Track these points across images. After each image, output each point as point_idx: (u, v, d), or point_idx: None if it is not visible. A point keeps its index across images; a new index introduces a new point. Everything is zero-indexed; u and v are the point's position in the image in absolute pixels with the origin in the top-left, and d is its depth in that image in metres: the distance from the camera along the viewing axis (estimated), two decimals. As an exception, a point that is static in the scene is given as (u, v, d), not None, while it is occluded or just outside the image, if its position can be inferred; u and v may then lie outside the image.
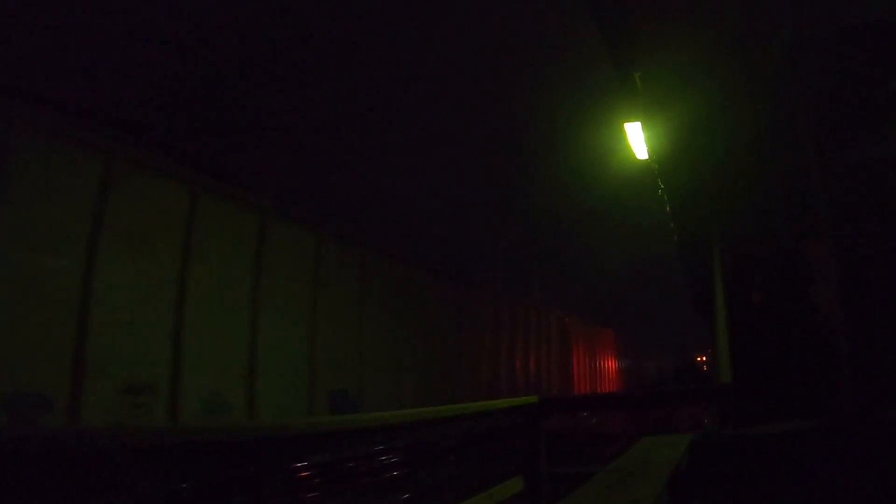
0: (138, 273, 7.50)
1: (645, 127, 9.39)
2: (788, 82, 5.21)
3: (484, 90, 16.60)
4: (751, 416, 5.61)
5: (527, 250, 24.99)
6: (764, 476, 3.96)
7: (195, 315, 8.11)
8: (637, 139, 10.26)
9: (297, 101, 13.73)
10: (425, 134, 17.10)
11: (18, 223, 6.41)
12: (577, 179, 21.05)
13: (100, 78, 9.05)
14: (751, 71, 5.94)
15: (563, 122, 18.13)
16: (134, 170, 7.41)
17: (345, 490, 8.26)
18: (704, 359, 37.44)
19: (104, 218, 7.12)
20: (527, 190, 21.82)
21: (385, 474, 9.50)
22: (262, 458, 4.69)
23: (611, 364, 35.94)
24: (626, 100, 8.85)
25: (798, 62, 4.96)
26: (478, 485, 6.56)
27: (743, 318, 7.02)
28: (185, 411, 7.89)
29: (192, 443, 3.09)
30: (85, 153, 6.97)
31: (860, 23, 4.67)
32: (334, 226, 11.44)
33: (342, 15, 12.99)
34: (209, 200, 8.42)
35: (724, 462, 4.13)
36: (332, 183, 14.71)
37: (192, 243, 8.11)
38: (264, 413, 8.90)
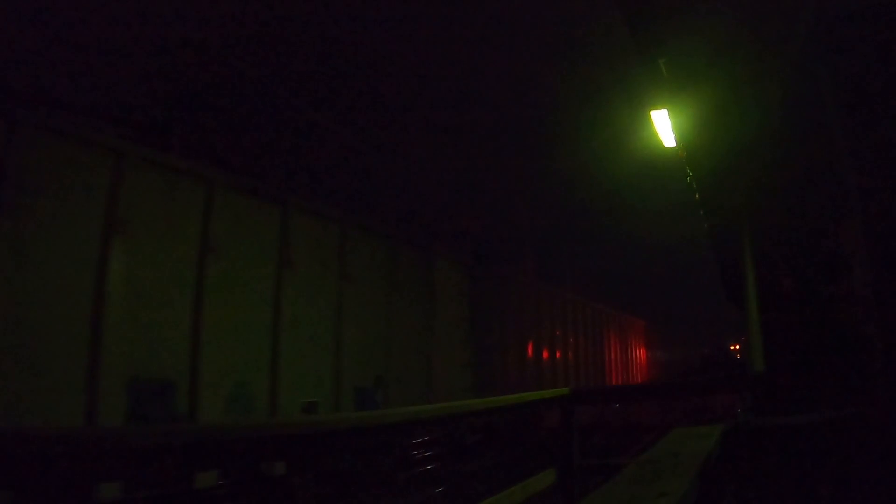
0: (159, 268, 7.59)
1: (671, 114, 9.28)
2: (814, 61, 5.11)
3: (510, 82, 16.53)
4: (784, 405, 5.52)
5: (557, 241, 24.90)
6: (797, 467, 3.90)
7: (214, 311, 8.19)
8: (664, 127, 10.16)
9: (322, 95, 13.79)
10: (451, 125, 17.08)
11: (44, 226, 6.51)
12: (606, 169, 20.89)
13: (113, 78, 9.16)
14: (776, 51, 5.82)
15: (590, 111, 17.99)
16: (149, 168, 7.46)
17: (379, 484, 8.31)
18: (738, 347, 37.02)
19: (131, 217, 7.20)
20: (557, 181, 21.73)
21: (419, 468, 9.53)
22: (299, 454, 4.73)
23: (643, 354, 35.69)
24: (652, 88, 8.75)
25: (824, 41, 4.85)
26: (511, 477, 6.56)
27: (774, 305, 6.91)
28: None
29: (221, 439, 3.13)
30: (98, 153, 7.05)
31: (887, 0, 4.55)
32: (359, 219, 11.41)
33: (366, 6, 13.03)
34: (226, 195, 8.44)
35: (756, 453, 4.07)
36: (357, 175, 14.76)
37: (210, 239, 8.13)
38: (292, 409, 8.96)
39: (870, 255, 4.30)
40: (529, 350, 18.91)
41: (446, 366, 13.78)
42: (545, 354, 20.24)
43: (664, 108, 9.35)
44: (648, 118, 10.43)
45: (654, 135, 10.74)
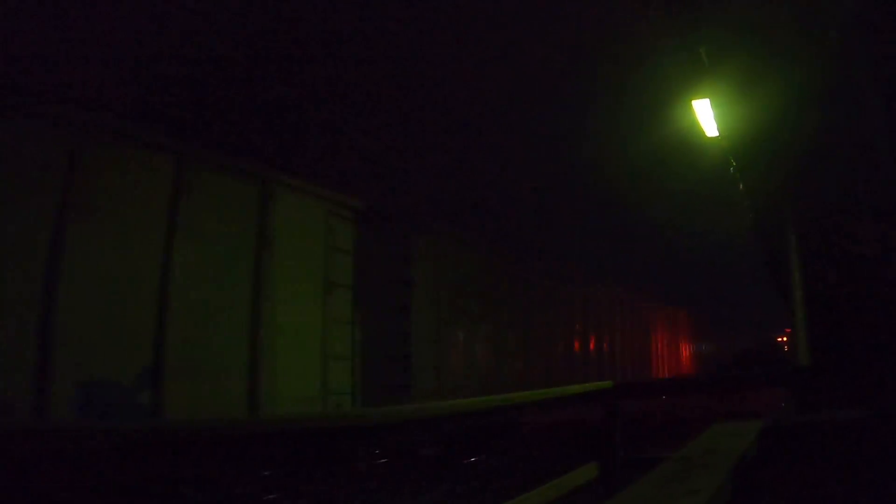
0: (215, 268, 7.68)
1: (714, 104, 9.16)
2: (856, 47, 4.97)
3: (549, 75, 16.44)
4: (828, 400, 5.41)
5: (599, 231, 24.74)
6: (837, 465, 3.82)
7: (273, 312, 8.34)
8: (706, 116, 10.01)
9: (357, 94, 13.88)
10: (486, 117, 17.05)
11: (104, 228, 6.65)
12: (647, 160, 20.66)
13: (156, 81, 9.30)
14: (818, 38, 5.69)
15: (630, 101, 17.80)
16: (204, 168, 7.57)
17: (419, 476, 8.36)
18: (785, 339, 36.30)
19: (180, 219, 7.27)
20: (597, 173, 21.56)
21: (460, 460, 9.58)
22: (335, 447, 4.79)
23: (686, 346, 35.25)
24: (693, 76, 8.64)
25: (865, 27, 4.72)
26: (552, 471, 6.55)
27: (820, 297, 6.78)
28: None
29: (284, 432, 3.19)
30: (156, 155, 7.16)
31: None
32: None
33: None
34: (281, 193, 8.53)
35: (795, 450, 4.00)
36: (412, 176, 14.86)
37: (267, 237, 8.24)
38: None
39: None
40: (576, 340, 18.81)
41: (490, 358, 13.72)
42: (593, 346, 20.14)
43: (706, 97, 9.21)
44: (690, 108, 10.28)
45: (695, 124, 10.58)
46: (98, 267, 6.43)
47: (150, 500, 3.39)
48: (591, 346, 20.21)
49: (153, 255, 6.95)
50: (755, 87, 7.04)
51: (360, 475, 7.74)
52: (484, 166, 17.89)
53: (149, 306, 6.82)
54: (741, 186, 11.20)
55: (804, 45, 6.04)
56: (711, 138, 10.79)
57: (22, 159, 6.12)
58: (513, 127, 17.60)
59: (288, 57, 12.05)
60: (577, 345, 19.04)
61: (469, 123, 16.85)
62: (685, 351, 35.17)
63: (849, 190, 6.06)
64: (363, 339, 10.21)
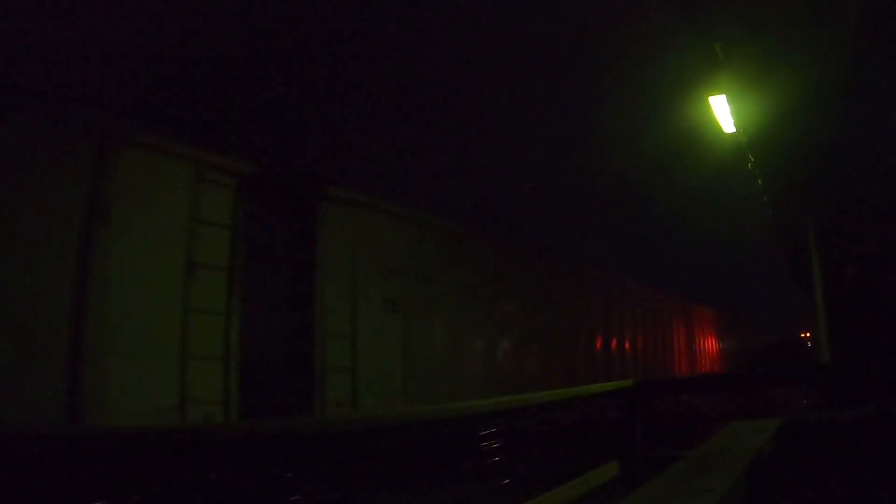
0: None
1: (730, 99, 9.09)
2: (872, 39, 4.93)
3: (564, 72, 16.42)
4: (848, 397, 5.37)
5: (620, 228, 24.69)
6: (855, 463, 3.79)
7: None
8: (723, 112, 9.94)
9: (384, 93, 13.94)
10: (506, 114, 17.05)
11: (131, 233, 6.71)
12: (666, 156, 20.58)
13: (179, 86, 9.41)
14: (833, 33, 5.64)
15: (649, 97, 17.75)
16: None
17: (444, 476, 8.39)
18: (808, 335, 35.93)
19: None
20: (616, 170, 21.51)
21: (483, 460, 9.59)
22: (361, 446, 4.82)
23: (710, 343, 34.97)
24: (709, 73, 8.60)
25: (880, 16, 4.68)
26: (574, 469, 6.55)
27: (840, 294, 6.72)
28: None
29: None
30: (177, 162, 7.19)
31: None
32: (438, 218, 11.52)
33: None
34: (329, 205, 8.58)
35: (812, 448, 3.97)
36: (436, 175, 14.91)
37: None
38: (363, 404, 9.08)
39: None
40: (599, 339, 18.72)
41: (513, 357, 13.56)
42: (615, 344, 20.05)
43: (722, 93, 9.15)
44: (706, 104, 10.21)
45: (712, 121, 10.51)
46: None
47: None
48: (613, 344, 20.11)
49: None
50: (771, 83, 6.99)
51: (387, 474, 7.77)
52: (499, 163, 17.89)
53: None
54: (759, 182, 11.11)
55: (820, 38, 5.99)
56: (729, 134, 10.72)
57: (46, 162, 6.11)
58: (524, 123, 17.58)
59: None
60: (598, 343, 18.95)
61: (485, 119, 16.85)
62: (708, 348, 34.88)
63: (868, 187, 6.00)
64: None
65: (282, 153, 10.30)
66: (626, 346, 21.34)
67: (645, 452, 6.60)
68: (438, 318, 11.32)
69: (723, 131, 10.70)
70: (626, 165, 21.41)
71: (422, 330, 10.86)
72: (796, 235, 10.14)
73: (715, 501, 2.38)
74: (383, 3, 13.67)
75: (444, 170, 16.32)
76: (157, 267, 7.10)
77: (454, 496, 7.32)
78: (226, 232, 7.82)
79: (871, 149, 5.85)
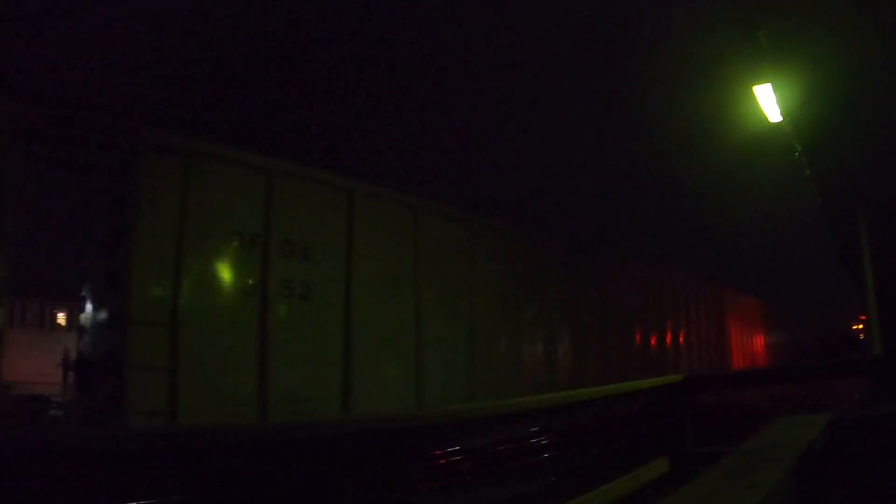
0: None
1: (775, 88, 8.94)
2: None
3: (606, 61, 16.29)
4: (902, 391, 5.24)
5: (668, 222, 24.46)
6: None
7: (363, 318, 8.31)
8: (768, 101, 9.77)
9: (431, 99, 14.02)
10: (550, 108, 17.00)
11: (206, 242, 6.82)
12: (710, 147, 20.30)
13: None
14: (882, 17, 5.51)
15: (690, 88, 17.53)
16: (293, 183, 7.69)
17: (492, 474, 8.41)
18: (861, 327, 35.01)
19: (274, 228, 7.42)
20: (663, 163, 21.32)
21: (531, 458, 9.58)
22: (410, 444, 4.88)
23: (760, 336, 34.32)
24: (753, 62, 8.47)
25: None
26: (623, 466, 6.52)
27: (892, 284, 6.56)
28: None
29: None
30: (252, 173, 7.32)
31: None
32: (485, 218, 11.43)
33: None
34: (365, 202, 8.55)
35: (862, 443, 3.89)
36: (478, 174, 14.95)
37: (354, 246, 8.22)
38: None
39: None
40: (649, 334, 18.55)
41: (567, 352, 13.42)
42: (667, 338, 19.84)
43: (767, 82, 8.99)
44: (751, 93, 10.04)
45: (758, 110, 10.33)
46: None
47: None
48: (664, 339, 19.90)
49: None
50: (819, 70, 6.86)
51: (434, 474, 7.82)
52: (545, 158, 17.86)
53: None
54: (808, 172, 10.88)
55: (868, 24, 5.86)
56: (775, 123, 10.52)
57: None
58: (566, 116, 17.51)
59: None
60: (648, 338, 18.77)
61: (526, 112, 16.82)
62: (759, 341, 34.23)
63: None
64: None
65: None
66: (680, 340, 21.10)
67: (695, 448, 6.54)
68: (487, 321, 10.75)
69: (768, 120, 10.52)
70: (671, 157, 21.18)
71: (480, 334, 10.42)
72: (846, 225, 9.91)
73: (763, 496, 2.36)
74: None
75: (490, 167, 16.34)
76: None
77: (503, 495, 7.34)
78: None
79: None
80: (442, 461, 8.23)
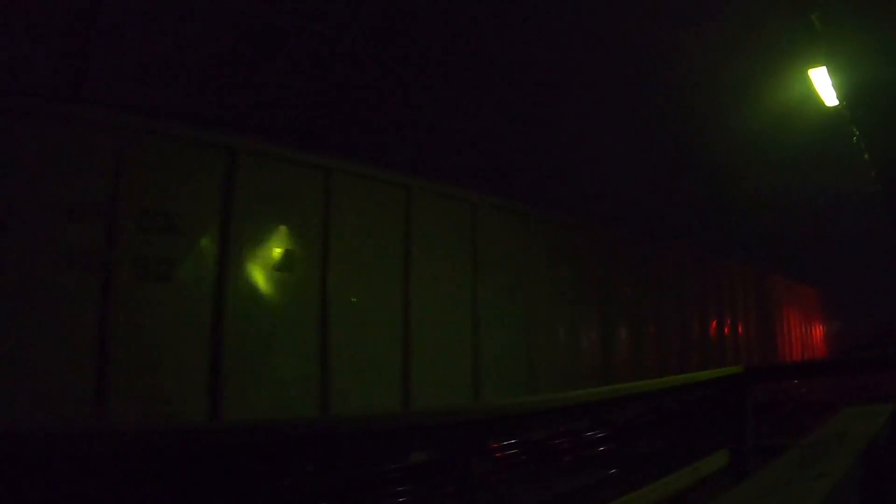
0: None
1: (830, 72, 8.75)
2: None
3: (651, 47, 16.12)
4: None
5: (724, 210, 24.09)
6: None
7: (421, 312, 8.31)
8: (824, 85, 9.57)
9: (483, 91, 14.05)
10: (598, 96, 16.87)
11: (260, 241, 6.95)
12: (768, 131, 19.90)
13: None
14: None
15: (744, 73, 17.22)
16: (350, 180, 7.70)
17: (550, 467, 8.44)
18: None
19: (331, 227, 7.42)
20: (717, 148, 20.99)
21: (588, 450, 9.57)
22: (468, 438, 4.97)
23: (819, 326, 33.54)
24: (807, 45, 8.30)
25: None
26: (683, 458, 6.49)
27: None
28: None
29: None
30: (306, 171, 7.39)
31: None
32: (542, 210, 11.40)
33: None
34: (424, 199, 8.57)
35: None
36: (533, 166, 14.92)
37: (413, 242, 8.26)
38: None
39: None
40: (701, 323, 18.31)
41: (623, 345, 13.29)
42: (719, 329, 19.54)
43: (822, 65, 8.81)
44: (806, 77, 9.84)
45: (812, 95, 10.13)
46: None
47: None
48: (721, 330, 19.60)
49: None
50: (874, 55, 6.70)
51: (491, 467, 7.88)
52: (598, 148, 17.72)
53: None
54: (866, 156, 10.62)
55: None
56: (831, 107, 10.29)
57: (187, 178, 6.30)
58: (615, 103, 17.35)
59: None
60: (706, 329, 18.52)
61: (576, 96, 16.72)
62: (817, 331, 33.48)
63: None
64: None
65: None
66: (738, 331, 20.78)
67: (755, 441, 6.48)
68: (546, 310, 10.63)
69: (824, 104, 10.29)
70: (725, 144, 20.85)
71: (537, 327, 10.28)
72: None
73: (831, 486, 2.36)
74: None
75: (546, 157, 16.27)
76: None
77: (560, 488, 7.37)
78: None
79: None
80: (499, 455, 8.29)
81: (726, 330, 19.87)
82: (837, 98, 9.44)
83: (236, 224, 6.55)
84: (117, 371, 5.53)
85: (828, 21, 6.76)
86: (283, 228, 7.02)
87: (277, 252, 6.92)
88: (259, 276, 6.79)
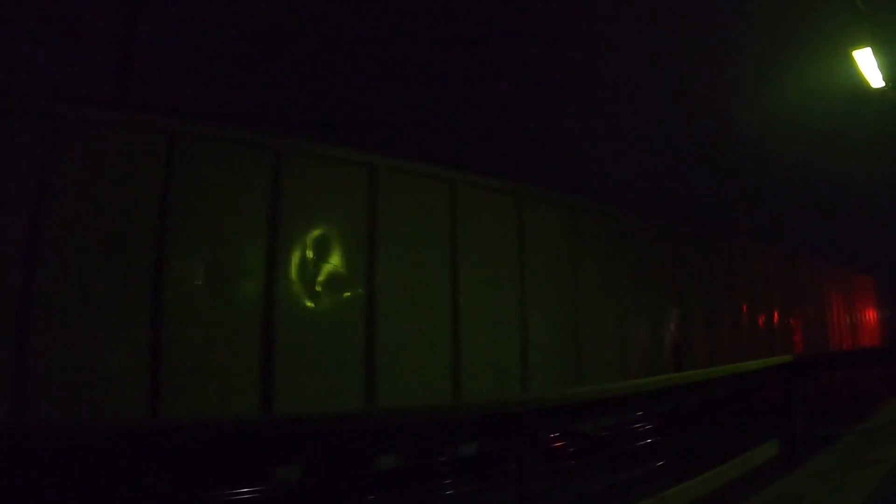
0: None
1: (875, 52, 8.52)
2: None
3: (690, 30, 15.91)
4: None
5: (769, 198, 23.69)
6: None
7: (468, 297, 8.33)
8: (869, 66, 9.31)
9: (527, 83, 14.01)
10: (639, 80, 16.69)
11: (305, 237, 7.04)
12: (814, 115, 19.49)
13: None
14: None
15: (790, 54, 16.90)
16: (396, 176, 7.75)
17: (600, 458, 8.39)
18: None
19: (380, 220, 7.49)
20: (763, 135, 20.63)
21: (638, 442, 9.50)
22: (525, 429, 4.96)
23: (870, 314, 32.69)
24: (851, 25, 8.12)
25: None
26: (732, 449, 6.39)
27: None
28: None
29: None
30: (350, 168, 7.48)
31: None
32: (589, 201, 11.32)
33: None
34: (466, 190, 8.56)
35: None
36: (573, 155, 14.84)
37: (459, 234, 8.28)
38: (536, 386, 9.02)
39: None
40: (751, 314, 18.01)
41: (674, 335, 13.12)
42: (769, 319, 19.19)
43: (867, 45, 8.58)
44: (849, 58, 9.58)
45: (856, 76, 9.86)
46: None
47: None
48: (771, 319, 19.25)
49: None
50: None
51: (546, 457, 7.85)
52: (642, 138, 17.55)
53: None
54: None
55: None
56: (877, 89, 10.01)
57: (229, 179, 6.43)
58: (666, 83, 17.15)
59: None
60: (756, 318, 18.21)
61: (621, 81, 16.57)
62: (868, 320, 32.65)
63: None
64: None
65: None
66: (789, 320, 20.39)
67: (806, 430, 6.33)
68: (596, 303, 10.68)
69: (870, 86, 10.01)
70: (772, 131, 20.48)
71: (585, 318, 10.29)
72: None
73: (886, 471, 2.29)
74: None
75: (592, 149, 16.16)
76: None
77: (610, 480, 7.31)
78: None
79: None
80: (550, 446, 8.27)
81: (776, 319, 19.52)
82: (884, 79, 9.21)
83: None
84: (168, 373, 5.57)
85: (871, 0, 6.61)
86: (330, 225, 7.18)
87: (325, 248, 7.09)
88: (308, 273, 6.95)
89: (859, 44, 8.81)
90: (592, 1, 14.01)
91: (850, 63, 9.74)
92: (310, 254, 6.95)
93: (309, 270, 6.88)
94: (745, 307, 17.50)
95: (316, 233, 7.09)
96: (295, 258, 6.86)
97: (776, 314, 19.88)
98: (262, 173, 6.68)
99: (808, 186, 25.08)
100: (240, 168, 6.53)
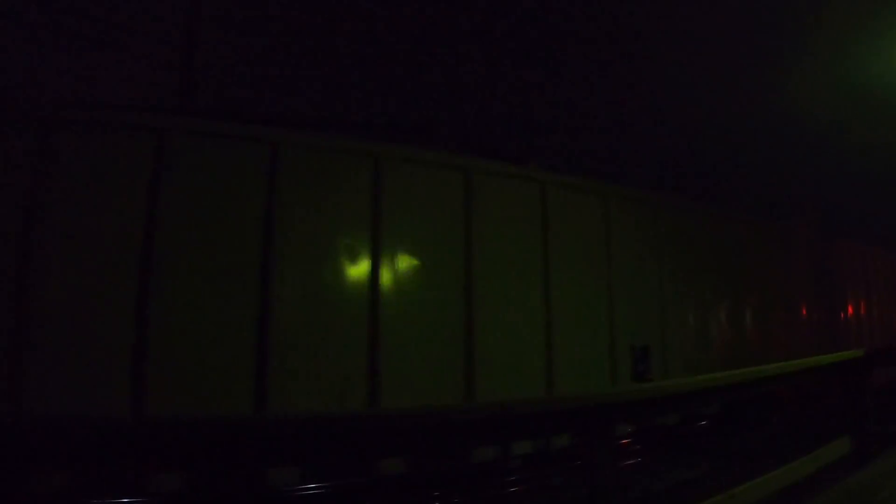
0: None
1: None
2: None
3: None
4: None
5: (836, 187, 23.15)
6: None
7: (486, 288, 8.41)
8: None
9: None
10: (689, 59, 16.49)
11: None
12: (867, 101, 18.96)
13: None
14: None
15: (849, 42, 16.47)
16: (489, 179, 8.02)
17: (660, 455, 8.36)
18: None
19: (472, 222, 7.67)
20: (828, 128, 20.17)
21: (700, 438, 9.43)
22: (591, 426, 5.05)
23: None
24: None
25: None
26: (803, 446, 6.30)
27: None
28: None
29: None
30: (446, 172, 7.65)
31: None
32: (672, 199, 11.43)
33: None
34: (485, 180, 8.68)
35: None
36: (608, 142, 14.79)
37: (549, 235, 8.43)
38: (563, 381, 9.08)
39: None
40: (816, 306, 17.56)
41: (722, 330, 12.98)
42: (833, 312, 18.71)
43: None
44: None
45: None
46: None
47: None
48: (839, 311, 18.76)
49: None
50: None
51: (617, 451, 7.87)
52: (715, 130, 17.35)
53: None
54: None
55: None
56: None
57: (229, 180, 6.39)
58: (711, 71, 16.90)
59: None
60: (823, 311, 17.78)
61: (676, 72, 16.40)
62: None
63: None
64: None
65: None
66: (861, 312, 19.82)
67: (878, 427, 6.21)
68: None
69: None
70: (831, 121, 19.99)
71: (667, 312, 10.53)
72: None
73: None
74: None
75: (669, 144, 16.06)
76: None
77: (673, 478, 7.29)
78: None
79: None
80: (624, 441, 8.29)
81: (849, 312, 19.00)
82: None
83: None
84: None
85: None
86: (427, 228, 7.38)
87: (422, 251, 7.27)
88: (406, 274, 7.20)
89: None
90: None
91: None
92: (409, 253, 7.18)
93: (409, 269, 7.16)
94: (820, 301, 17.13)
95: (415, 234, 7.27)
96: (395, 258, 7.14)
97: (850, 307, 19.35)
98: (363, 177, 6.96)
99: (880, 180, 24.44)
100: (342, 172, 6.89)
